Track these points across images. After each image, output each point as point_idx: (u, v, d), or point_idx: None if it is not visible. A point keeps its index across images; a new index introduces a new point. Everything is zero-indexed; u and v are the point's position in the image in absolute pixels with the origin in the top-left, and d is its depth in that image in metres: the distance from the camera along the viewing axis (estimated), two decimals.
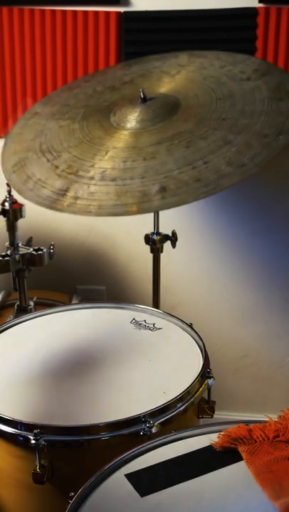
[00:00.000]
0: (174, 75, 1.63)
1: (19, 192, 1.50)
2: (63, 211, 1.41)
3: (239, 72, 1.58)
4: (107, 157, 1.46)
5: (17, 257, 1.59)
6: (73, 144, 1.53)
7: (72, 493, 0.94)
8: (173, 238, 1.66)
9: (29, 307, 1.67)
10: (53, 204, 1.43)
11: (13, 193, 1.57)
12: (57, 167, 1.48)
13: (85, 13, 1.77)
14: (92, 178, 1.43)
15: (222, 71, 1.60)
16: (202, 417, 1.29)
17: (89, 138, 1.52)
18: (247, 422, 1.06)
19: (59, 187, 1.44)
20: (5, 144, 1.65)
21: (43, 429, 1.12)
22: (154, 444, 1.05)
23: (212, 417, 1.28)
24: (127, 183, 1.39)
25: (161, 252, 1.68)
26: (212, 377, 1.27)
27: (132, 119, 1.52)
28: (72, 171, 1.46)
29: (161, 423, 1.15)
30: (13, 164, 1.56)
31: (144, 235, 1.67)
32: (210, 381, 1.27)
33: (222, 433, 1.04)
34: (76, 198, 1.40)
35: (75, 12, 1.77)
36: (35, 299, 1.74)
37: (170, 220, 1.72)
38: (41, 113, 1.68)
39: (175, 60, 1.68)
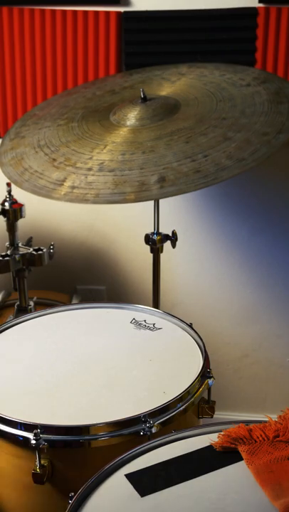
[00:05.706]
0: (174, 81, 1.64)
1: (15, 183, 1.50)
2: (60, 200, 1.41)
3: (239, 80, 1.59)
4: (106, 150, 1.46)
5: (17, 257, 1.59)
6: (72, 139, 1.53)
7: (72, 493, 0.94)
8: (173, 238, 1.66)
9: (29, 307, 1.67)
10: (49, 193, 1.43)
11: (13, 193, 1.57)
12: (54, 160, 1.49)
13: (85, 13, 1.77)
14: (90, 169, 1.43)
15: (222, 78, 1.61)
16: (202, 417, 1.29)
17: (88, 134, 1.53)
18: (247, 422, 1.06)
19: (56, 178, 1.44)
20: (2, 141, 1.66)
21: (43, 429, 1.12)
22: (154, 444, 1.05)
23: (212, 417, 1.28)
24: (126, 173, 1.39)
25: (161, 252, 1.68)
26: (212, 377, 1.27)
27: (131, 117, 1.52)
28: (70, 163, 1.46)
29: (161, 423, 1.14)
30: (9, 158, 1.57)
31: (144, 235, 1.67)
32: (210, 381, 1.27)
33: (222, 433, 1.04)
34: (73, 187, 1.41)
35: (75, 12, 1.78)
36: (35, 299, 1.74)
37: (170, 220, 1.72)
38: (40, 114, 1.69)
39: (175, 70, 1.70)
